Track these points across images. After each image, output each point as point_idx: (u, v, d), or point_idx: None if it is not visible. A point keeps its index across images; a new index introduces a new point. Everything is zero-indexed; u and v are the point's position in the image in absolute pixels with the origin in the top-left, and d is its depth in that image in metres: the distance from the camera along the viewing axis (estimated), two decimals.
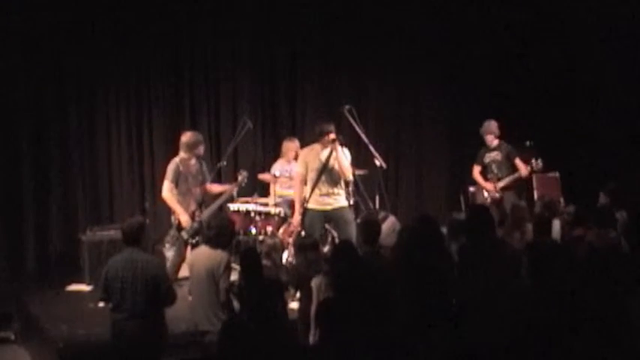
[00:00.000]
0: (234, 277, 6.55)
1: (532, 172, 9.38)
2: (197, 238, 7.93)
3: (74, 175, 9.76)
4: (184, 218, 7.84)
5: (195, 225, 7.90)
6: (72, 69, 9.63)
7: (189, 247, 7.91)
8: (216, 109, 10.52)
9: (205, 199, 8.21)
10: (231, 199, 9.14)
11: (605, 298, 5.84)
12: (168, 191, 7.92)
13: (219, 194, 8.33)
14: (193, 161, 8.03)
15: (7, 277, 9.22)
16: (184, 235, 7.87)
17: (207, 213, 8.07)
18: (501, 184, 9.34)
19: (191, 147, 8.02)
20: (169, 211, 8.11)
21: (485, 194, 9.49)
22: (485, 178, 9.52)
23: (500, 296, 5.82)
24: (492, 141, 9.48)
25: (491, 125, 9.50)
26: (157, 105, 10.17)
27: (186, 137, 8.10)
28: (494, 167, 9.45)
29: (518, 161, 9.34)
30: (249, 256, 6.40)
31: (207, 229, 6.63)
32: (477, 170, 9.62)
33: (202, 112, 10.41)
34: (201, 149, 8.15)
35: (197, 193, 8.04)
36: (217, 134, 10.50)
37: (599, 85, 10.68)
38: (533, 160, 9.19)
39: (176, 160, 8.03)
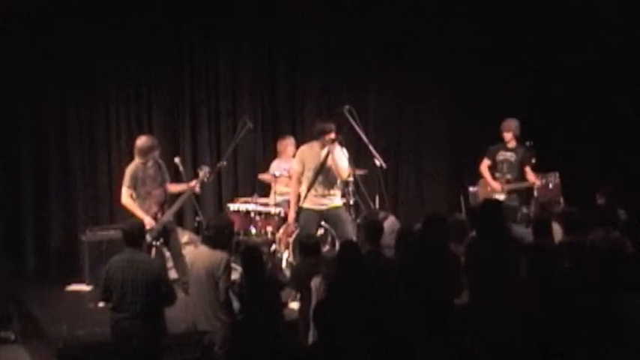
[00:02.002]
0: (234, 276, 6.55)
1: (545, 185, 9.21)
2: (161, 240, 7.92)
3: (74, 175, 9.76)
4: (146, 220, 7.70)
5: (158, 227, 7.86)
6: (72, 69, 9.63)
7: (153, 250, 7.89)
8: (216, 109, 10.51)
9: (168, 200, 8.10)
10: (226, 198, 8.99)
11: (606, 298, 5.84)
12: (127, 197, 7.86)
13: (181, 193, 8.18)
14: (150, 163, 7.94)
15: (7, 277, 9.21)
16: (148, 237, 7.71)
17: (169, 213, 8.01)
18: (510, 187, 9.18)
19: (145, 152, 7.91)
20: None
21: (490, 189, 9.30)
22: (493, 176, 9.36)
23: (502, 296, 5.83)
24: (510, 140, 9.29)
25: (510, 123, 9.28)
26: (157, 105, 10.16)
27: (140, 142, 7.98)
28: (504, 167, 9.27)
29: (528, 169, 9.20)
30: (251, 254, 6.41)
31: (205, 229, 6.62)
32: (485, 164, 9.39)
33: (202, 112, 10.40)
34: (156, 154, 7.99)
35: (157, 195, 7.94)
36: (217, 134, 10.49)
37: (600, 85, 10.67)
38: (551, 177, 9.11)
39: (132, 165, 7.95)
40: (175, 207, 8.16)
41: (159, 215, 7.92)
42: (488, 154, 9.42)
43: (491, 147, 9.44)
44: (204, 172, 8.20)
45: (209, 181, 8.57)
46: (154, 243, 7.85)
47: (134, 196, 7.89)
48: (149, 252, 7.79)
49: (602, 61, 10.59)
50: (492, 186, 9.30)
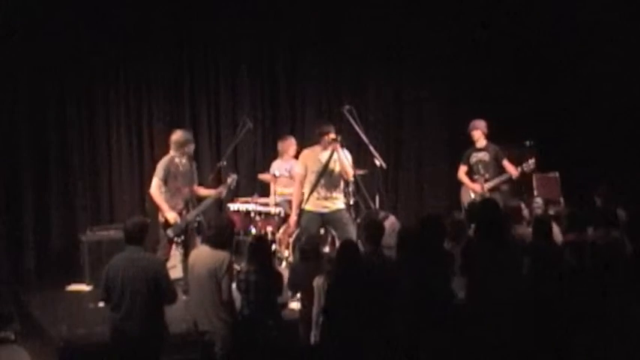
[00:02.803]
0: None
1: (523, 173, 9.24)
2: (182, 237, 7.92)
3: (74, 175, 9.76)
4: (171, 215, 7.78)
5: (181, 224, 7.87)
6: (72, 68, 9.63)
7: (173, 246, 7.92)
8: (216, 109, 10.52)
9: (193, 199, 8.13)
10: (225, 200, 9.05)
11: (606, 298, 5.84)
12: (156, 188, 7.86)
13: (207, 196, 8.22)
14: (184, 160, 7.98)
15: (7, 277, 9.21)
16: (170, 233, 7.81)
17: (194, 213, 8.02)
18: (489, 185, 9.19)
19: (181, 145, 7.97)
20: (156, 210, 7.99)
21: (472, 195, 9.30)
22: (472, 179, 9.38)
23: (502, 295, 5.83)
24: (479, 140, 9.35)
25: (479, 123, 9.37)
26: (157, 105, 10.17)
27: (176, 136, 8.05)
28: (481, 168, 9.29)
29: (506, 162, 9.22)
30: (260, 245, 6.41)
31: (206, 229, 6.63)
32: (462, 170, 9.45)
33: (202, 113, 10.41)
34: (191, 148, 8.07)
35: (186, 193, 7.97)
36: (217, 134, 10.50)
37: (600, 85, 10.67)
38: (525, 162, 9.11)
39: (166, 158, 7.98)
40: (201, 208, 8.14)
41: (184, 213, 7.94)
42: (462, 160, 9.48)
43: (464, 152, 9.48)
44: (232, 179, 8.27)
45: (238, 186, 8.59)
46: (175, 239, 7.88)
47: (163, 189, 7.88)
48: (170, 247, 7.88)
49: (603, 61, 10.60)
50: (472, 188, 9.31)
